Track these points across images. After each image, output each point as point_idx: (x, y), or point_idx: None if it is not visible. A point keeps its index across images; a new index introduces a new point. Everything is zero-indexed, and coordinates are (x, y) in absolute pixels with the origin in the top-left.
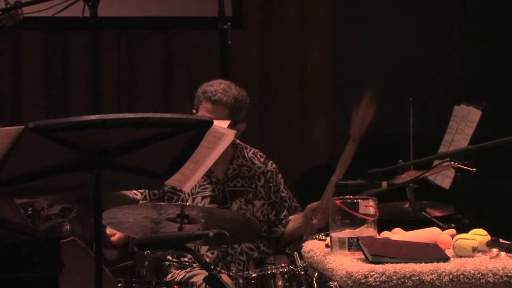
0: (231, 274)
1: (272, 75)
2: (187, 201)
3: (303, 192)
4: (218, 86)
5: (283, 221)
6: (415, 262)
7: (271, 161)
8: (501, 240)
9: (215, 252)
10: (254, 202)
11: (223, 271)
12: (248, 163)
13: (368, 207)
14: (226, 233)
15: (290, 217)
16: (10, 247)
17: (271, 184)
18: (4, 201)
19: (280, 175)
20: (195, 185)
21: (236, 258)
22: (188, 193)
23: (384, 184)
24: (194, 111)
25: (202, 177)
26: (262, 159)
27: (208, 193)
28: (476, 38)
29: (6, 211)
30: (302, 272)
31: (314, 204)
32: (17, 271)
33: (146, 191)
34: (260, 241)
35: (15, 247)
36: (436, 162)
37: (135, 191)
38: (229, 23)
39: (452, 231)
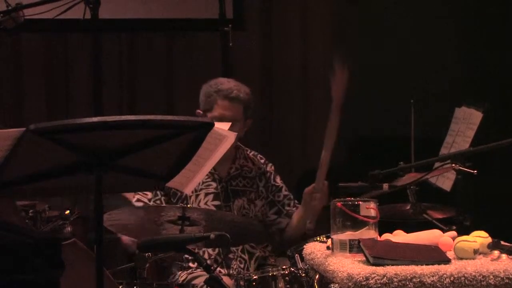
0: (232, 272)
1: (273, 76)
2: (190, 198)
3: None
4: (230, 84)
5: (287, 214)
6: (416, 264)
7: (270, 164)
8: (502, 242)
9: (217, 248)
10: (256, 202)
11: (222, 270)
12: (249, 164)
13: (369, 209)
14: (227, 235)
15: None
16: (11, 249)
17: (269, 184)
18: (4, 202)
19: (279, 177)
20: (199, 182)
21: (238, 255)
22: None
23: (385, 186)
24: (201, 111)
25: (206, 175)
26: (262, 161)
27: (211, 190)
28: (477, 40)
29: (6, 213)
30: (303, 274)
31: (309, 187)
32: (18, 273)
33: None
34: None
35: (16, 248)
36: (437, 164)
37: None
38: (230, 25)
39: (453, 233)
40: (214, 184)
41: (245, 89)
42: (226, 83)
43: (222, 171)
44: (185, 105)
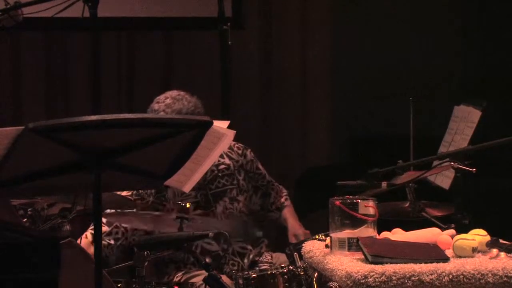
0: (231, 272)
1: (272, 75)
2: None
3: (303, 192)
4: (160, 105)
5: (277, 206)
6: (415, 263)
7: (249, 150)
8: (500, 241)
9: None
10: (238, 198)
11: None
12: (225, 161)
13: (368, 207)
14: (226, 233)
15: (285, 212)
16: (10, 248)
17: (251, 174)
18: (1, 202)
19: (259, 162)
20: (177, 193)
21: (229, 259)
22: (171, 201)
23: (384, 184)
24: None
25: None
26: (240, 151)
27: (191, 199)
28: (477, 38)
29: (2, 212)
30: (302, 273)
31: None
32: (17, 272)
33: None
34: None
35: (15, 247)
36: (436, 162)
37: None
38: (229, 24)
39: (452, 231)
40: (193, 193)
41: (177, 108)
42: (157, 104)
43: None
44: None
